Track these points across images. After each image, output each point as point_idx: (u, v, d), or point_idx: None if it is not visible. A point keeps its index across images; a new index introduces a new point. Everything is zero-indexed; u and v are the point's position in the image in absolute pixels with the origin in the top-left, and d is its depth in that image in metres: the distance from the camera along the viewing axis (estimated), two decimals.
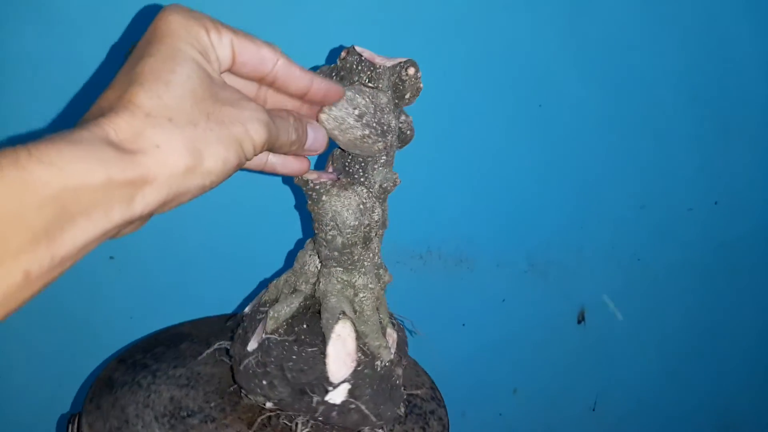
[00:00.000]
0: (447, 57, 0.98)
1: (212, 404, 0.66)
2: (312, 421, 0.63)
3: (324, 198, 0.62)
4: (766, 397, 1.37)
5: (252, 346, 0.64)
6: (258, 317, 0.66)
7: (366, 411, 0.61)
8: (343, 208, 0.61)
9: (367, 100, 0.57)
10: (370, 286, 0.65)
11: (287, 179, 0.95)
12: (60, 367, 0.96)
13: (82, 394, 0.95)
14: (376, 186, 0.63)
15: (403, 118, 0.63)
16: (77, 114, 0.81)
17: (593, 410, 1.29)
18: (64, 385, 0.96)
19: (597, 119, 1.08)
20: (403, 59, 0.59)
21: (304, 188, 0.63)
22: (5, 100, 0.84)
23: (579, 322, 1.21)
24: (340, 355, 0.61)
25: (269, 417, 0.65)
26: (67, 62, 0.83)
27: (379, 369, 0.62)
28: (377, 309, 0.66)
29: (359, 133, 0.57)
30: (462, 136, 1.03)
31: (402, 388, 0.66)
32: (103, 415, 0.63)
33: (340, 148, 0.63)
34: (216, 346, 0.72)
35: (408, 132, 0.64)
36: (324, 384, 0.60)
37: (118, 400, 0.65)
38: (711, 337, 1.29)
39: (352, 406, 0.61)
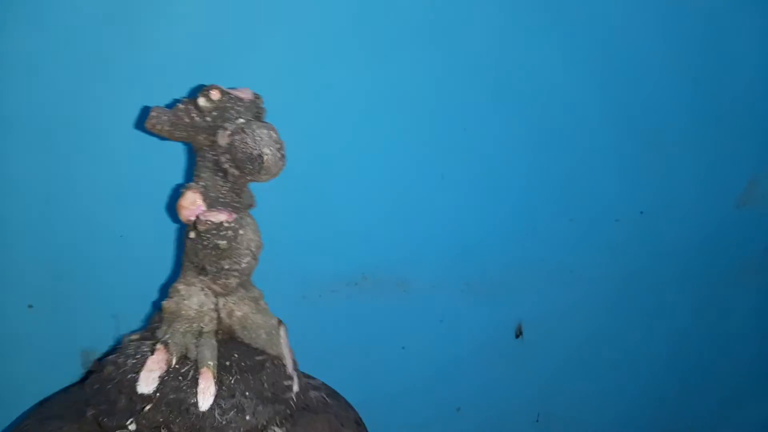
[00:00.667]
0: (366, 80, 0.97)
1: None
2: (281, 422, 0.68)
3: (241, 231, 0.65)
4: (699, 402, 1.42)
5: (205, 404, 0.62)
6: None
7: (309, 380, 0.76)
8: (255, 234, 0.67)
9: (276, 134, 0.67)
10: (259, 291, 0.72)
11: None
12: None
13: None
14: (246, 206, 0.69)
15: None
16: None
17: (537, 421, 1.30)
18: None
19: (522, 135, 1.09)
20: (249, 90, 0.69)
21: (215, 231, 0.63)
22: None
23: (517, 336, 1.22)
24: (287, 352, 0.71)
25: None
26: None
27: None
28: None
29: (282, 163, 0.67)
30: (389, 160, 1.03)
31: None
32: None
33: (199, 182, 0.66)
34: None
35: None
36: (287, 383, 0.69)
37: None
38: (643, 344, 1.32)
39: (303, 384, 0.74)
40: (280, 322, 0.72)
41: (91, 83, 0.85)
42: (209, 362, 0.63)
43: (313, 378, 0.81)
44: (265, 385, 0.65)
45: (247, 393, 0.63)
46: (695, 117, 1.20)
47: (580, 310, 1.24)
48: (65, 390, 0.77)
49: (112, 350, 0.68)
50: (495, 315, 1.20)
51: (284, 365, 0.69)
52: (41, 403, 0.75)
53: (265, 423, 0.64)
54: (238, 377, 0.64)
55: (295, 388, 0.70)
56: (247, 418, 0.62)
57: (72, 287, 0.92)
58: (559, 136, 1.12)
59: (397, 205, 1.06)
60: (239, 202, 0.68)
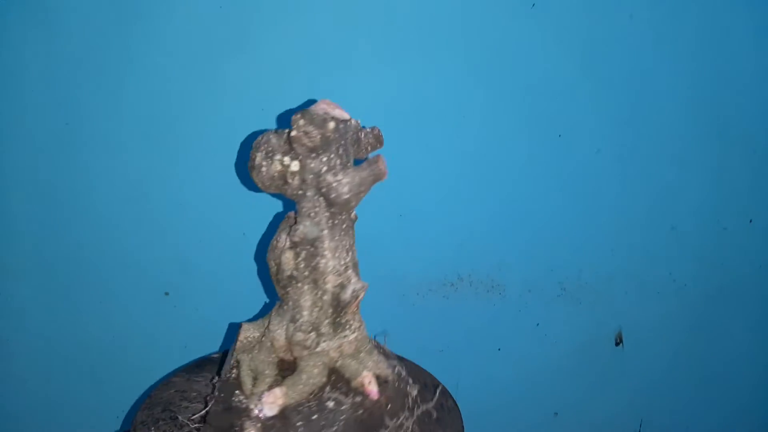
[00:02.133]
0: (474, 87, 1.03)
1: None
2: None
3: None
4: None
5: None
6: None
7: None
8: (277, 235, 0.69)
9: (260, 140, 0.66)
10: (270, 327, 0.69)
11: None
12: (115, 391, 1.06)
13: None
14: (291, 232, 0.66)
15: (323, 172, 0.63)
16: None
17: (639, 431, 1.28)
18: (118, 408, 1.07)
19: (618, 143, 1.10)
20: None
21: None
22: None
23: (617, 344, 1.22)
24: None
25: None
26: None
27: (233, 399, 0.66)
28: (293, 365, 0.69)
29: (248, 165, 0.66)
30: (489, 166, 1.08)
31: None
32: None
33: None
34: None
35: (323, 189, 0.64)
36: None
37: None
38: (751, 359, 1.26)
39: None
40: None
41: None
42: None
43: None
44: None
45: None
46: None
47: (682, 320, 1.21)
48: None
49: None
50: (593, 321, 1.20)
51: None
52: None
53: None
54: None
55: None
56: None
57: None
58: (660, 140, 1.11)
59: (494, 209, 1.10)
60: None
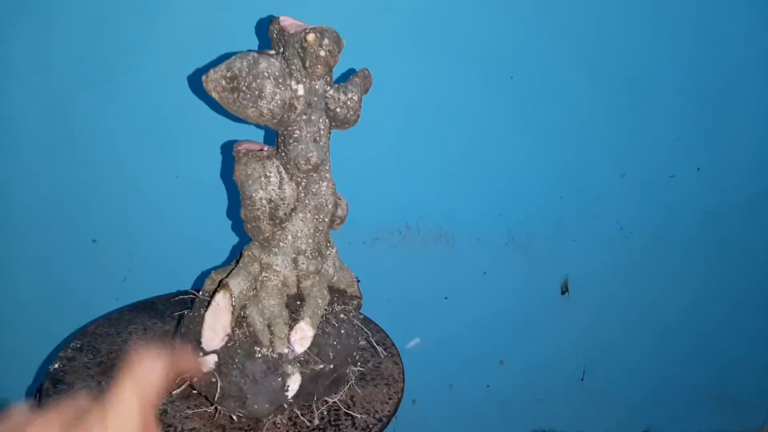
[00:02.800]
0: (423, 33, 0.98)
1: None
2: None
3: (235, 166, 0.63)
4: (757, 365, 1.36)
5: None
6: None
7: (224, 391, 0.60)
8: (246, 178, 0.61)
9: (244, 64, 0.57)
10: (275, 267, 0.63)
11: None
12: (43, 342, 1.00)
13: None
14: (291, 162, 0.61)
15: (331, 93, 0.61)
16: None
17: (582, 380, 1.29)
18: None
19: (572, 86, 1.07)
20: (311, 27, 0.58)
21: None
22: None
23: (563, 293, 1.22)
24: (215, 324, 0.61)
25: None
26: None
27: (257, 356, 0.60)
28: (299, 298, 0.65)
29: (230, 96, 0.58)
30: (438, 111, 1.04)
31: (287, 390, 0.61)
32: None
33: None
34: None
35: (337, 109, 0.62)
36: (199, 347, 0.62)
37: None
38: (697, 304, 1.28)
39: (213, 379, 0.61)
40: (223, 287, 0.62)
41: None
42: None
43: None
44: (191, 326, 0.66)
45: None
46: (761, 68, 1.13)
47: (629, 269, 1.21)
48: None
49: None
50: (540, 270, 1.19)
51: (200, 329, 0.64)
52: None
53: None
54: None
55: (204, 364, 0.63)
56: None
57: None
58: (612, 87, 1.09)
59: (442, 156, 1.07)
60: (284, 150, 0.63)
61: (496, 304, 1.19)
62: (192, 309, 0.66)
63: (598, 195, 1.16)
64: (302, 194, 0.63)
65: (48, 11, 0.85)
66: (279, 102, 0.58)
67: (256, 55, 0.57)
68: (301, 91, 0.59)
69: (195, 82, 0.90)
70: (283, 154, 0.62)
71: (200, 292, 0.67)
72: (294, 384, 0.60)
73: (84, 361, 0.70)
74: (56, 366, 0.68)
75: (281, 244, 0.63)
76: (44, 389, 0.64)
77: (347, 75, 0.67)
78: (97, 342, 0.74)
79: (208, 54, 0.88)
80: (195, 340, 0.62)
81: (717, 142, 1.17)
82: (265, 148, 0.63)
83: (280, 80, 0.57)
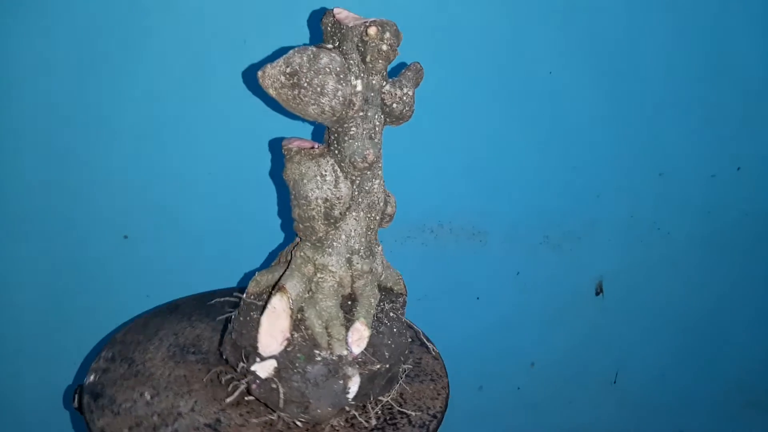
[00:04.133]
0: (458, 33, 0.96)
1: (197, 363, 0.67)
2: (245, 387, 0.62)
3: (287, 165, 0.61)
4: None
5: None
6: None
7: (287, 397, 0.58)
8: (300, 177, 0.59)
9: (304, 59, 0.54)
10: (330, 268, 0.62)
11: None
12: (71, 341, 0.99)
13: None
14: (346, 160, 0.59)
15: (387, 88, 0.59)
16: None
17: (614, 383, 1.27)
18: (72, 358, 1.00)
19: (610, 84, 1.04)
20: (371, 20, 0.56)
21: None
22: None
23: (597, 293, 1.19)
24: (272, 329, 0.59)
25: (218, 373, 0.66)
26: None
27: (317, 359, 0.59)
28: (351, 298, 0.64)
29: (290, 92, 0.55)
30: (471, 109, 1.01)
31: (348, 392, 0.60)
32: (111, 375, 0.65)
33: None
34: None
35: (393, 105, 0.60)
36: (254, 353, 0.60)
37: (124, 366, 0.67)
38: (734, 310, 1.25)
39: (274, 386, 0.59)
40: (280, 289, 0.61)
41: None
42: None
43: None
44: (244, 332, 0.65)
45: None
46: None
47: (666, 270, 1.19)
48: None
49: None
50: (575, 271, 1.17)
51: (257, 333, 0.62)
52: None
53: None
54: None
55: (262, 371, 0.61)
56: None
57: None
58: (649, 85, 1.06)
59: (475, 153, 1.04)
60: (337, 149, 0.62)
61: (528, 305, 1.17)
62: (241, 313, 0.64)
63: (635, 194, 1.13)
64: (356, 192, 0.61)
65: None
66: (341, 99, 0.56)
67: (315, 49, 0.55)
68: (359, 87, 0.57)
69: (236, 75, 0.89)
70: (336, 151, 0.59)
71: (244, 295, 0.65)
72: (354, 386, 0.59)
73: (120, 372, 0.67)
74: (92, 379, 0.66)
75: (335, 243, 0.62)
76: (85, 404, 0.62)
77: (396, 69, 0.65)
78: (129, 351, 0.71)
79: (243, 48, 0.87)
80: (249, 346, 0.60)
81: (758, 141, 1.13)
82: (316, 145, 0.61)
83: (342, 76, 0.55)
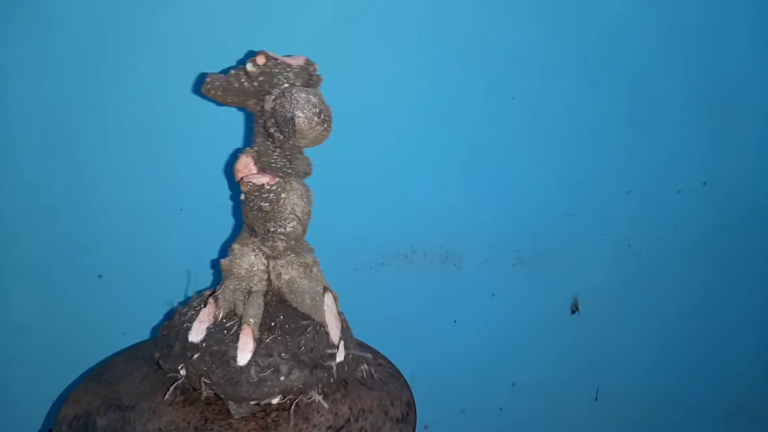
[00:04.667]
0: (426, 56, 0.99)
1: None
2: (324, 391, 0.69)
3: (283, 195, 0.68)
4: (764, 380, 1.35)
5: (243, 359, 0.65)
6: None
7: (362, 354, 0.72)
8: (300, 198, 0.69)
9: (317, 98, 0.65)
10: (313, 258, 0.73)
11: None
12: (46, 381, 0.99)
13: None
14: (301, 173, 0.70)
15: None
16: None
17: (595, 400, 1.27)
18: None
19: (576, 103, 1.07)
20: (302, 57, 0.68)
21: (257, 193, 0.67)
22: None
23: (573, 312, 1.20)
24: (332, 321, 0.69)
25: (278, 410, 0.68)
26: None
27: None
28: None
29: (320, 127, 0.66)
30: (441, 133, 1.04)
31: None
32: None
33: (254, 147, 0.69)
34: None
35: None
36: (330, 351, 0.68)
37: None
38: (709, 322, 1.26)
39: (351, 356, 0.70)
40: (326, 289, 0.72)
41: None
42: (251, 320, 0.66)
43: (381, 355, 0.84)
44: (303, 349, 0.66)
45: (283, 354, 0.65)
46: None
47: (638, 286, 1.20)
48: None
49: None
50: (549, 290, 1.18)
51: (327, 333, 0.69)
52: (130, 348, 0.84)
53: (300, 387, 0.65)
54: (279, 338, 0.66)
55: (339, 357, 0.69)
56: (282, 378, 0.64)
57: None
58: (619, 102, 1.08)
59: (447, 177, 1.06)
60: (291, 167, 0.69)
61: (506, 326, 1.18)
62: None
63: (605, 212, 1.15)
64: None
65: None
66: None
67: (309, 89, 0.66)
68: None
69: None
70: (290, 170, 0.70)
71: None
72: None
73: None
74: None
75: (302, 242, 0.72)
76: None
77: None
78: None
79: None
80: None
81: (722, 155, 1.16)
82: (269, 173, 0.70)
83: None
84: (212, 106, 0.85)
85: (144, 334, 0.98)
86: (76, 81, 0.88)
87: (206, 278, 0.97)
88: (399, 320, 1.12)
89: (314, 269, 0.73)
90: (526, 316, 1.19)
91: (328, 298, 0.71)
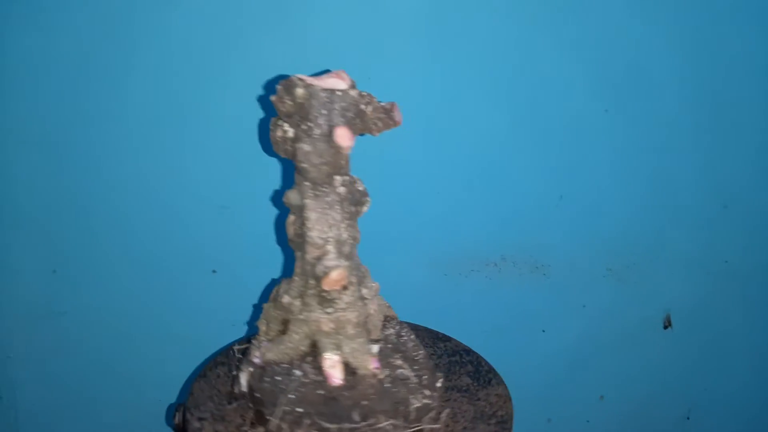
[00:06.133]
0: (512, 57, 1.01)
1: None
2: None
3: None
4: None
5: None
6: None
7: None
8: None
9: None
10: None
11: None
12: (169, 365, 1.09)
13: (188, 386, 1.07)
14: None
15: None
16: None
17: (688, 419, 1.25)
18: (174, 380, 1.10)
19: (668, 120, 1.07)
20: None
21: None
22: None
23: (665, 327, 1.19)
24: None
25: None
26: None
27: None
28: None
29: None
30: (530, 142, 1.06)
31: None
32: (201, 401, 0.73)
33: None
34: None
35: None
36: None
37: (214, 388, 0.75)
38: None
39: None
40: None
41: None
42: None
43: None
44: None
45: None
46: None
47: (735, 303, 1.17)
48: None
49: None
50: (641, 303, 1.18)
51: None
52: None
53: None
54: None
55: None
56: None
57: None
58: (712, 117, 1.08)
59: (538, 186, 1.09)
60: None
61: (595, 337, 1.19)
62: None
63: (701, 226, 1.14)
64: (297, 232, 0.71)
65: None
66: (271, 137, 0.69)
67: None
68: (290, 134, 0.66)
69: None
70: None
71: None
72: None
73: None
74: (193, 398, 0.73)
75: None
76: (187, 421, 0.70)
77: None
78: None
79: None
80: None
81: None
82: None
83: (279, 124, 0.68)
84: None
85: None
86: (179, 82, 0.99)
87: None
88: (487, 327, 1.15)
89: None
90: (616, 328, 1.18)
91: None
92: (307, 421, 0.65)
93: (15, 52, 0.93)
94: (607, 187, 1.10)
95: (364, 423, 0.65)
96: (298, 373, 0.67)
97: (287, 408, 0.65)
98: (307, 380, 0.66)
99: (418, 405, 0.67)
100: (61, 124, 0.97)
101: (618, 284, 1.16)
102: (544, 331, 1.18)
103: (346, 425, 0.65)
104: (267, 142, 0.77)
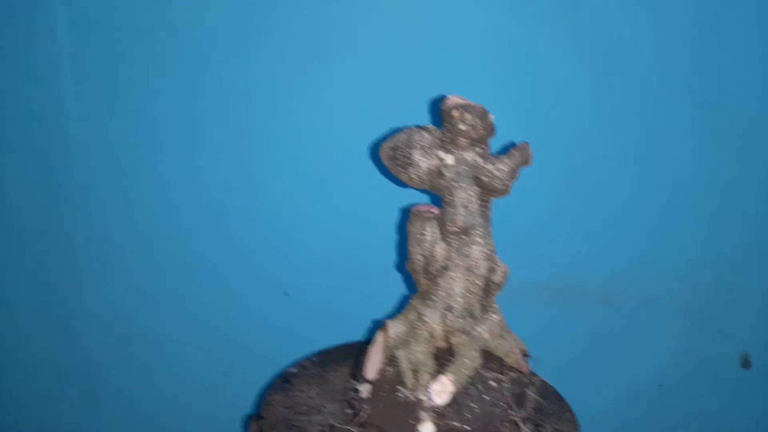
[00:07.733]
0: (586, 85, 1.02)
1: None
2: None
3: (407, 224, 0.72)
4: None
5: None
6: None
7: (368, 418, 0.70)
8: (411, 235, 0.72)
9: (404, 136, 0.69)
10: (424, 317, 0.71)
11: None
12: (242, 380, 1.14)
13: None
14: (447, 223, 0.69)
15: (480, 163, 0.68)
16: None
17: None
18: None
19: (747, 145, 1.05)
20: (459, 103, 0.67)
21: None
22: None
23: (744, 366, 1.14)
24: (372, 357, 0.71)
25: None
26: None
27: (399, 394, 0.70)
28: (450, 352, 0.72)
29: (391, 163, 0.70)
30: (600, 171, 1.06)
31: None
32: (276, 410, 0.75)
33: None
34: None
35: (482, 178, 0.68)
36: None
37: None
38: None
39: (365, 406, 0.71)
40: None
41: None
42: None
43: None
44: None
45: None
46: None
47: None
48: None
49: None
50: (716, 341, 1.13)
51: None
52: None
53: None
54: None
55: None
56: None
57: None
58: None
59: (606, 212, 1.07)
60: (442, 213, 0.72)
61: (668, 374, 1.15)
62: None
63: None
64: (454, 255, 0.70)
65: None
66: (425, 169, 0.68)
67: (415, 128, 0.69)
68: (449, 161, 0.68)
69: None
70: (441, 216, 0.70)
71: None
72: (425, 430, 0.66)
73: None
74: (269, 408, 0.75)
75: (434, 297, 0.70)
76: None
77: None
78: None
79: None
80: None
81: None
82: (434, 210, 0.72)
83: (427, 150, 0.68)
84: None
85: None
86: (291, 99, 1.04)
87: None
88: (552, 356, 1.13)
89: (417, 322, 0.71)
90: (691, 366, 1.14)
91: (378, 335, 0.72)
92: None
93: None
94: (684, 217, 1.08)
95: None
96: (493, 383, 0.70)
97: None
98: (505, 383, 0.71)
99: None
100: (133, 152, 1.06)
101: (691, 320, 1.12)
102: (613, 364, 1.15)
103: None
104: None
